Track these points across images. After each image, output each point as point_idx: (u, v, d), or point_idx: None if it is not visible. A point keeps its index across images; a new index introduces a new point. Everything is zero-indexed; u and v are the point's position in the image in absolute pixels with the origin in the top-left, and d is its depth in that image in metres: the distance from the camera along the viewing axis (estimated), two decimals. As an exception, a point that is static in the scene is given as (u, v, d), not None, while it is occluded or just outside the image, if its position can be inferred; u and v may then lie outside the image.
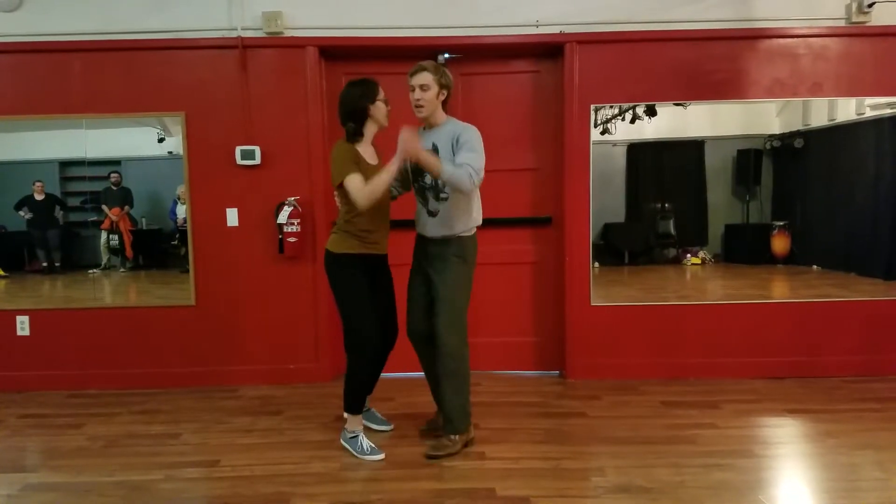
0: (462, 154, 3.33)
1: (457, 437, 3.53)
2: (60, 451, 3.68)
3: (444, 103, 3.53)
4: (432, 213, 3.52)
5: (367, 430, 3.73)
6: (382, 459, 3.47)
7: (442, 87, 3.44)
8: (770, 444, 3.61)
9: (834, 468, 3.29)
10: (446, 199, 3.47)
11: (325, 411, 4.16)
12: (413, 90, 3.43)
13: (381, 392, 4.33)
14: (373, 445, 3.53)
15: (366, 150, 3.49)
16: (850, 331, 4.74)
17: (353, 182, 3.31)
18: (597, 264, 4.85)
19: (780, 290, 5.44)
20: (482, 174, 3.33)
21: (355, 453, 3.52)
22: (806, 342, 4.74)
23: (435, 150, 3.43)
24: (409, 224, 3.79)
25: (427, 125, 3.56)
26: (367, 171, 3.38)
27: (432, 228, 3.53)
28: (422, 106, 3.43)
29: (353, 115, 3.43)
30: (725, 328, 4.75)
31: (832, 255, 5.32)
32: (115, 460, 3.52)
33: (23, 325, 4.76)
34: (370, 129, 3.50)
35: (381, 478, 3.25)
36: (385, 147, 3.63)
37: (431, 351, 3.58)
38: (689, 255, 5.52)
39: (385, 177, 3.30)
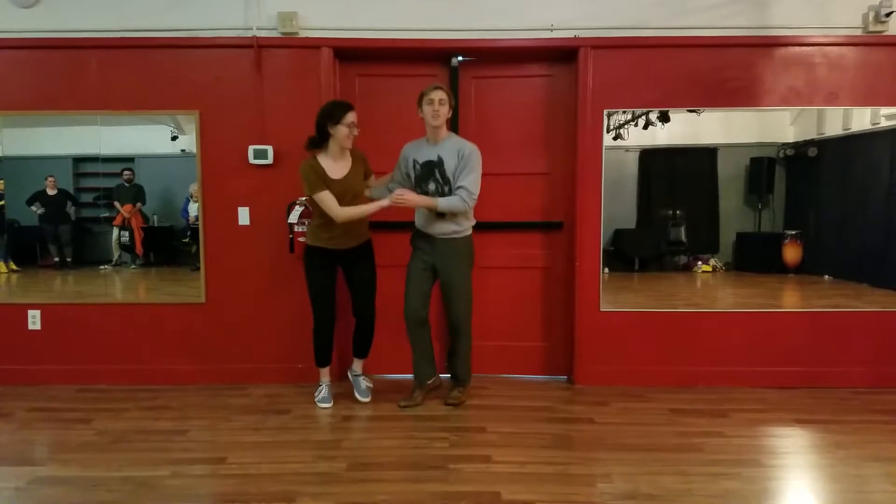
0: (463, 176, 3.96)
1: (467, 386, 4.39)
2: (69, 445, 3.70)
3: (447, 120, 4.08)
4: (441, 215, 4.02)
5: (352, 397, 4.39)
6: (327, 408, 4.20)
7: (450, 106, 4.04)
8: (778, 454, 3.59)
9: (842, 480, 3.26)
10: None
11: (333, 411, 4.17)
12: (432, 103, 3.96)
13: (394, 392, 4.45)
14: (326, 396, 4.26)
15: (332, 165, 3.91)
16: (861, 342, 4.71)
17: (325, 198, 3.84)
18: (607, 270, 4.84)
19: (791, 299, 5.41)
20: (476, 196, 4.00)
21: (315, 399, 4.26)
22: (816, 352, 4.71)
23: (440, 161, 4.01)
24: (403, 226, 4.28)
25: (432, 139, 4.07)
26: (332, 187, 3.87)
27: (441, 227, 4.07)
28: (439, 116, 3.97)
29: (317, 129, 3.91)
30: (735, 337, 4.72)
31: (844, 265, 5.29)
32: (123, 455, 3.54)
33: (34, 320, 4.79)
34: (334, 147, 3.91)
35: (387, 479, 3.25)
36: (381, 150, 4.23)
37: (424, 332, 4.25)
38: (699, 263, 5.50)
39: (365, 210, 3.96)
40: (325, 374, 4.34)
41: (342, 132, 3.82)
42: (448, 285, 4.16)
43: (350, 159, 3.96)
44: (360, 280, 4.24)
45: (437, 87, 3.99)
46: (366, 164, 4.15)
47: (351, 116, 3.85)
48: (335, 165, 3.87)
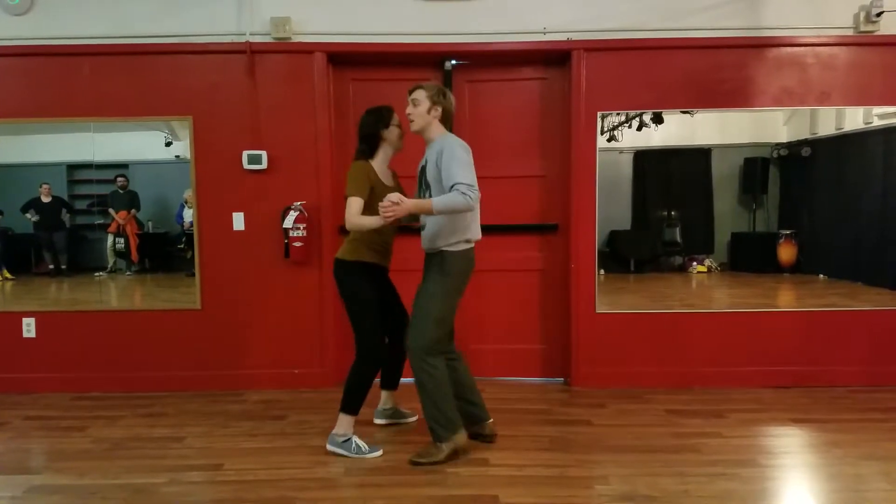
0: (447, 172, 3.31)
1: (441, 444, 3.47)
2: (65, 453, 3.69)
3: (447, 123, 3.56)
4: (421, 228, 3.59)
5: (395, 424, 4.06)
6: (381, 454, 3.57)
7: (434, 103, 3.49)
8: (775, 453, 3.60)
9: (839, 479, 3.27)
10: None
11: (330, 416, 4.14)
12: (407, 107, 3.54)
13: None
14: (368, 445, 3.59)
15: (382, 170, 3.68)
16: (856, 340, 4.72)
17: (353, 204, 3.46)
18: (602, 272, 4.84)
19: (787, 299, 5.42)
20: (474, 186, 3.29)
21: (352, 455, 3.56)
22: (812, 352, 4.72)
23: (426, 163, 3.54)
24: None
25: (426, 142, 3.59)
26: (383, 192, 3.47)
27: (422, 242, 3.59)
28: (412, 119, 3.53)
29: (367, 140, 3.65)
30: (731, 337, 4.73)
31: (839, 264, 5.30)
32: (119, 463, 3.53)
33: (29, 327, 4.77)
34: (385, 152, 3.69)
35: (384, 483, 3.24)
36: (405, 161, 3.93)
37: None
38: (695, 264, 5.51)
39: (369, 223, 3.40)
40: (350, 424, 3.65)
41: (395, 133, 3.68)
42: (414, 300, 3.54)
43: (390, 173, 3.78)
44: (395, 303, 3.85)
45: (413, 88, 3.54)
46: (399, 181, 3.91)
47: (397, 116, 3.71)
48: (384, 173, 3.69)
